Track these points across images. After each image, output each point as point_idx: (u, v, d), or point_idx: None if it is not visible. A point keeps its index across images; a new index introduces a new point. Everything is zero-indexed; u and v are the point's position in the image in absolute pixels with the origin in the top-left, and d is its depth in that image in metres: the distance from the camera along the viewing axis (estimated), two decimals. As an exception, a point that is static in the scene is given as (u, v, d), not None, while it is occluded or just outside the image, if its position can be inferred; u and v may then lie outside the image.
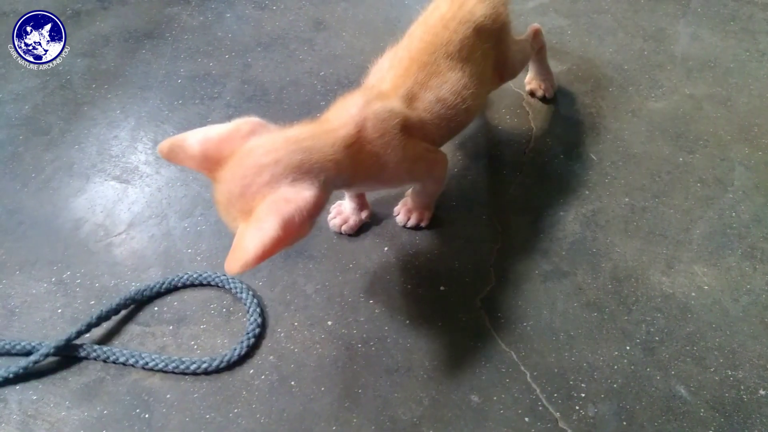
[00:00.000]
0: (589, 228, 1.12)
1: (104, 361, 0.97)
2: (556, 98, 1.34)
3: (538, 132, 1.27)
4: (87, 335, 0.99)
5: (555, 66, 1.41)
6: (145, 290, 1.03)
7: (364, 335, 0.99)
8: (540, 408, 0.91)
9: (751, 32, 1.49)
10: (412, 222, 1.11)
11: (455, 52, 0.98)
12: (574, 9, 1.56)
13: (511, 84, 1.36)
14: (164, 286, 1.04)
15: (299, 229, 0.72)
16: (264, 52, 1.45)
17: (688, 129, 1.28)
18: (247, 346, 0.97)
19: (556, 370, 0.95)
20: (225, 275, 1.05)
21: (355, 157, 0.83)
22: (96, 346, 0.98)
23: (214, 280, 1.05)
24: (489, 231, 1.12)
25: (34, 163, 1.23)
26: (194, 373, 0.95)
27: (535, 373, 0.95)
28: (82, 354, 0.97)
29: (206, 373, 0.95)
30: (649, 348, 0.97)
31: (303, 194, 0.72)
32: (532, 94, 1.34)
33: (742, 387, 0.93)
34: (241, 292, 1.03)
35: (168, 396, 0.93)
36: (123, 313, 1.02)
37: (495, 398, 0.92)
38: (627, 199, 1.16)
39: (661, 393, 0.93)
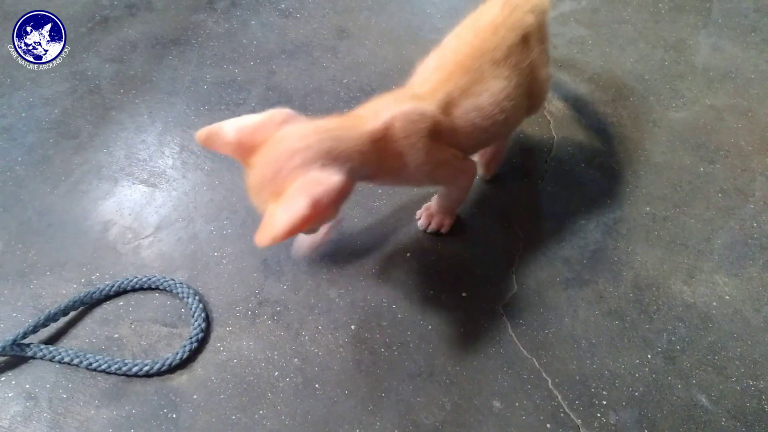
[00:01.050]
0: (610, 236, 1.13)
1: (50, 360, 0.99)
2: (577, 107, 1.35)
3: (560, 140, 1.28)
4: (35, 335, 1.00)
5: (576, 75, 1.42)
6: (94, 293, 1.05)
7: (387, 340, 1.01)
8: (562, 415, 0.92)
9: (772, 43, 1.50)
10: (432, 227, 1.13)
11: (502, 59, 0.96)
12: (595, 19, 1.57)
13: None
14: (113, 289, 1.06)
15: (326, 210, 0.76)
16: (288, 59, 1.47)
17: (709, 139, 1.29)
18: (189, 350, 0.99)
19: (577, 377, 0.96)
20: (173, 279, 1.07)
21: (380, 152, 0.85)
22: (42, 346, 0.99)
23: (162, 284, 1.06)
24: (511, 238, 1.13)
25: (63, 166, 1.25)
26: (136, 375, 0.97)
27: (557, 380, 0.96)
28: (29, 354, 0.99)
29: (148, 375, 0.97)
30: (671, 357, 0.98)
31: (332, 178, 0.75)
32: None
33: (763, 397, 0.94)
34: (187, 297, 1.04)
35: (195, 396, 0.95)
36: (72, 314, 1.04)
37: (517, 404, 0.93)
38: (648, 209, 1.17)
39: (682, 402, 0.93)
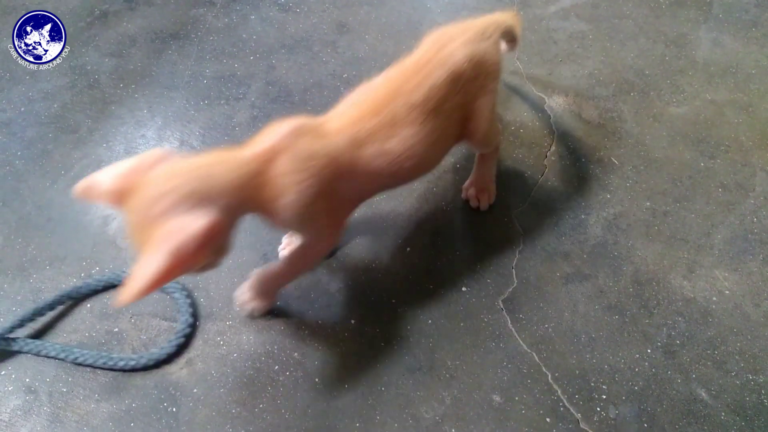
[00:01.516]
0: (610, 231, 1.13)
1: (36, 355, 0.99)
2: (577, 102, 1.35)
3: (560, 136, 1.28)
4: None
5: (577, 71, 1.42)
6: (81, 287, 1.05)
7: (387, 334, 1.01)
8: (561, 409, 0.92)
9: (773, 38, 1.49)
10: (244, 300, 1.02)
11: (420, 102, 0.89)
12: (595, 14, 1.57)
13: (532, 88, 1.37)
14: (102, 284, 1.06)
15: (195, 256, 0.71)
16: (288, 54, 1.47)
17: (709, 134, 1.29)
18: (177, 346, 0.98)
19: (577, 372, 0.96)
20: None
21: (261, 186, 0.79)
22: (29, 340, 0.99)
23: None
24: (511, 233, 1.13)
25: (63, 161, 1.25)
26: (122, 370, 0.97)
27: (556, 374, 0.96)
28: (15, 348, 0.99)
29: (134, 370, 0.97)
30: (670, 351, 0.98)
31: (197, 222, 0.70)
32: (466, 201, 1.18)
33: (763, 391, 0.94)
34: (174, 292, 1.04)
35: (195, 390, 0.95)
36: (74, 308, 1.05)
37: (517, 398, 0.94)
38: (648, 204, 1.17)
39: (681, 396, 0.94)
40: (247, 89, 1.39)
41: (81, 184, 0.76)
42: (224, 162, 0.78)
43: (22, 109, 1.35)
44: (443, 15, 1.57)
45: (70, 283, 1.07)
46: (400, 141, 0.89)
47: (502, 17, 1.05)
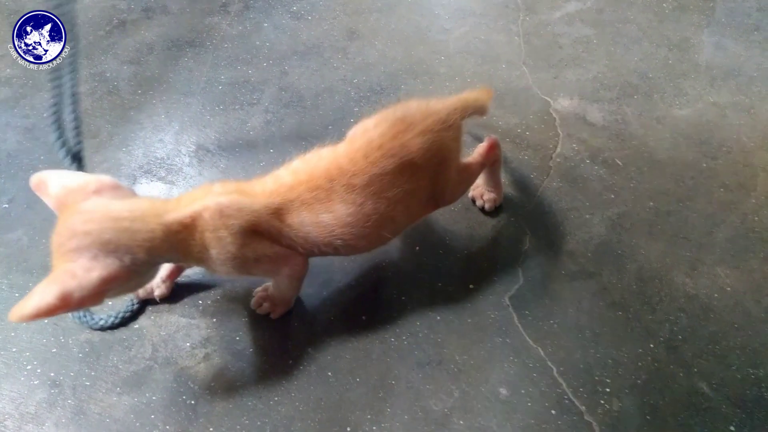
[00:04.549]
0: (614, 230, 1.16)
1: None
2: (582, 105, 1.38)
3: (565, 137, 1.31)
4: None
5: (581, 74, 1.45)
6: None
7: (397, 330, 1.04)
8: (566, 401, 0.95)
9: (775, 42, 1.52)
10: (262, 310, 1.06)
11: (361, 186, 0.89)
12: (600, 19, 1.60)
13: (537, 91, 1.41)
14: None
15: (80, 303, 0.75)
16: (300, 60, 1.51)
17: (711, 136, 1.31)
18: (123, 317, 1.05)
19: (581, 366, 0.99)
20: None
21: (184, 242, 0.84)
22: None
23: None
24: (517, 232, 1.16)
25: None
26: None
27: (561, 369, 0.99)
28: None
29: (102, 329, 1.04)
30: (673, 346, 1.01)
31: (90, 275, 0.75)
32: (473, 200, 1.20)
33: (763, 384, 0.96)
34: None
35: (212, 384, 0.99)
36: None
37: (523, 392, 0.97)
38: (651, 203, 1.20)
39: (683, 389, 0.96)
40: (261, 95, 1.43)
41: (35, 177, 0.83)
42: (144, 218, 0.81)
43: (45, 114, 1.39)
44: (451, 21, 1.61)
45: (92, 281, 1.11)
46: (333, 218, 0.89)
47: (472, 97, 1.02)
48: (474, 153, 1.10)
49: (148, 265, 0.84)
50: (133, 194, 0.87)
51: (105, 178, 0.84)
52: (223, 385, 0.98)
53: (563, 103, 1.38)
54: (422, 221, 1.18)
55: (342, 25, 1.62)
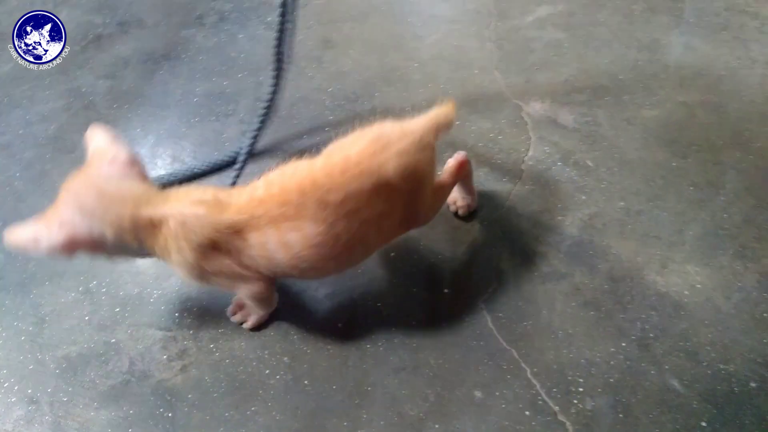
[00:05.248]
0: (586, 231, 1.17)
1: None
2: (553, 108, 1.40)
3: (537, 140, 1.33)
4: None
5: (553, 78, 1.47)
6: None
7: (373, 336, 1.05)
8: (540, 402, 0.96)
9: (742, 41, 1.54)
10: (236, 319, 1.07)
11: (335, 203, 0.86)
12: (571, 22, 1.62)
13: (509, 95, 1.42)
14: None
15: (48, 251, 0.85)
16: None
17: (681, 135, 1.33)
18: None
19: (555, 367, 1.00)
20: None
21: (150, 238, 0.88)
22: None
23: None
24: (490, 236, 1.18)
25: (60, 180, 1.26)
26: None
27: (535, 370, 1.00)
28: None
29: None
30: (644, 344, 1.02)
31: (60, 230, 0.84)
32: (447, 206, 1.20)
33: (733, 380, 0.98)
34: None
35: (189, 396, 0.99)
36: (70, 321, 1.09)
37: (497, 394, 0.98)
38: (622, 203, 1.21)
39: (655, 386, 0.98)
40: (236, 105, 1.44)
41: (93, 126, 0.97)
42: (125, 203, 0.86)
43: (21, 131, 1.40)
44: (424, 28, 1.62)
45: (69, 297, 1.12)
46: (301, 237, 0.87)
47: (440, 114, 1.00)
48: (444, 172, 1.10)
49: (117, 248, 0.88)
50: (144, 177, 0.92)
51: (123, 153, 0.91)
52: (200, 397, 0.99)
53: (535, 107, 1.40)
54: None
55: (316, 34, 1.63)
